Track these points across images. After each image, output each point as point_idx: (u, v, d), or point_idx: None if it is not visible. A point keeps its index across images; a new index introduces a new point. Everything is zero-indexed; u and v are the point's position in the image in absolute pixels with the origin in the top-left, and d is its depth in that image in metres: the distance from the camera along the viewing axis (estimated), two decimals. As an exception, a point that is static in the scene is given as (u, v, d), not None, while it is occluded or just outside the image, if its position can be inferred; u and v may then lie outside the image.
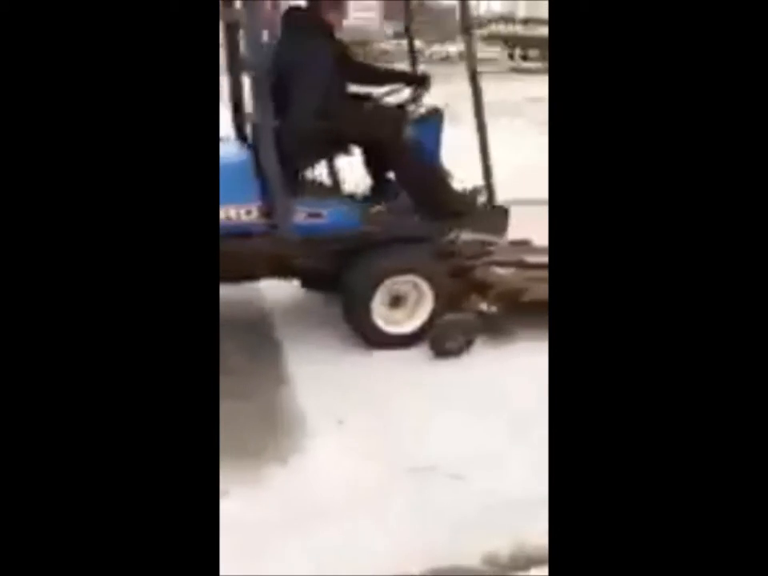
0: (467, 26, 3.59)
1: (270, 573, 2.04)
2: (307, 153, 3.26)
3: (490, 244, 3.69)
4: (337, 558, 2.10)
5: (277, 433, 2.65)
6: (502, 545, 2.11)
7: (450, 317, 3.24)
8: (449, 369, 3.13)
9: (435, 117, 3.50)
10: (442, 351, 3.20)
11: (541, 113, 7.81)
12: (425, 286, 3.27)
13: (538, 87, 9.85)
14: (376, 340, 3.26)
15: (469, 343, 3.23)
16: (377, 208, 3.40)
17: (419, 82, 3.60)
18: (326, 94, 3.10)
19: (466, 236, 3.69)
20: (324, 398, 2.86)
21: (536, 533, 2.02)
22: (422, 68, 3.97)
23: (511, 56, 15.34)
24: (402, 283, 3.27)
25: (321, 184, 3.46)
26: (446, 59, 14.17)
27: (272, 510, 2.28)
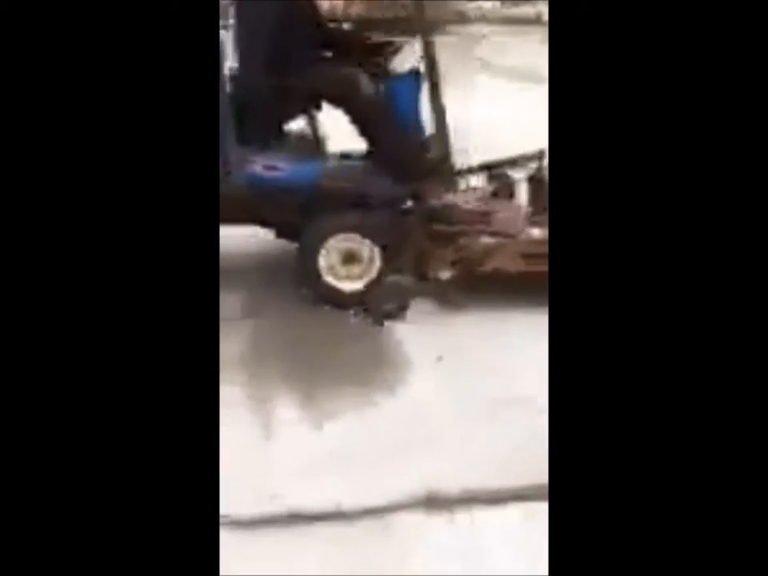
0: None
1: (378, 492, 2.30)
2: (269, 105, 3.33)
3: (489, 213, 3.55)
4: (441, 477, 2.35)
5: (383, 368, 2.95)
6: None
7: (387, 279, 3.26)
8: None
9: (410, 77, 3.52)
10: (375, 314, 3.20)
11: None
12: (371, 246, 3.30)
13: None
14: (322, 293, 3.33)
15: (402, 308, 3.20)
16: (346, 165, 3.49)
17: (389, 52, 3.62)
18: (278, 47, 3.26)
19: (468, 203, 3.61)
20: (423, 337, 3.12)
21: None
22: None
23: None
24: (351, 241, 3.32)
25: (302, 138, 3.51)
26: (522, 21, 13.97)
27: (379, 434, 2.57)
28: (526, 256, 3.26)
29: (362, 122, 3.48)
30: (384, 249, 3.29)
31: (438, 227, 3.41)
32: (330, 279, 3.32)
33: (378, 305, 3.20)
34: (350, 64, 3.51)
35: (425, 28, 3.62)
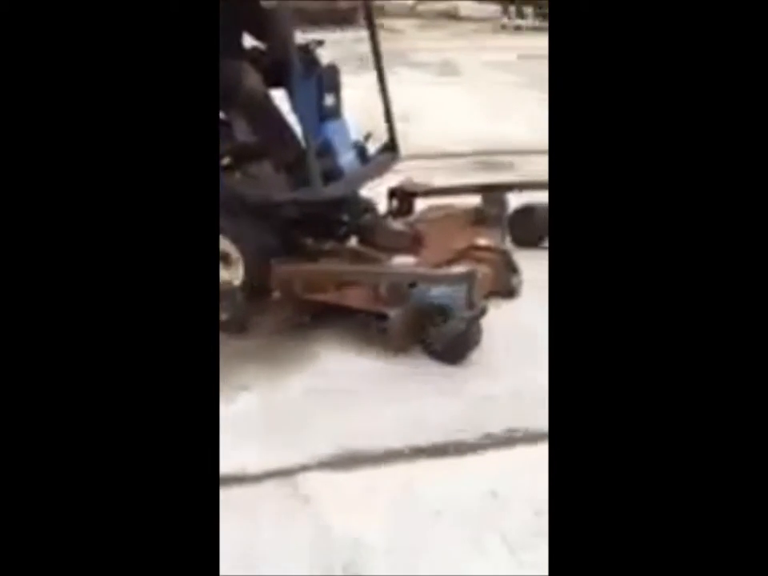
0: None
1: (288, 454, 2.38)
2: None
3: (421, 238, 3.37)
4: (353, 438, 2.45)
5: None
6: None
7: (225, 289, 3.13)
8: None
9: (312, 76, 3.29)
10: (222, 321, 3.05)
11: (533, 69, 7.99)
12: (232, 249, 3.22)
13: (530, 44, 10.02)
14: None
15: (236, 322, 3.07)
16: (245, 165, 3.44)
17: (314, 43, 3.50)
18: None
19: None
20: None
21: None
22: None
23: (506, 13, 15.39)
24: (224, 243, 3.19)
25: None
26: (448, 15, 14.39)
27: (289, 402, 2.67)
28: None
29: (247, 117, 3.35)
30: (248, 256, 3.21)
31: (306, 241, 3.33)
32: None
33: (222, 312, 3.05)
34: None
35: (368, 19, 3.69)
